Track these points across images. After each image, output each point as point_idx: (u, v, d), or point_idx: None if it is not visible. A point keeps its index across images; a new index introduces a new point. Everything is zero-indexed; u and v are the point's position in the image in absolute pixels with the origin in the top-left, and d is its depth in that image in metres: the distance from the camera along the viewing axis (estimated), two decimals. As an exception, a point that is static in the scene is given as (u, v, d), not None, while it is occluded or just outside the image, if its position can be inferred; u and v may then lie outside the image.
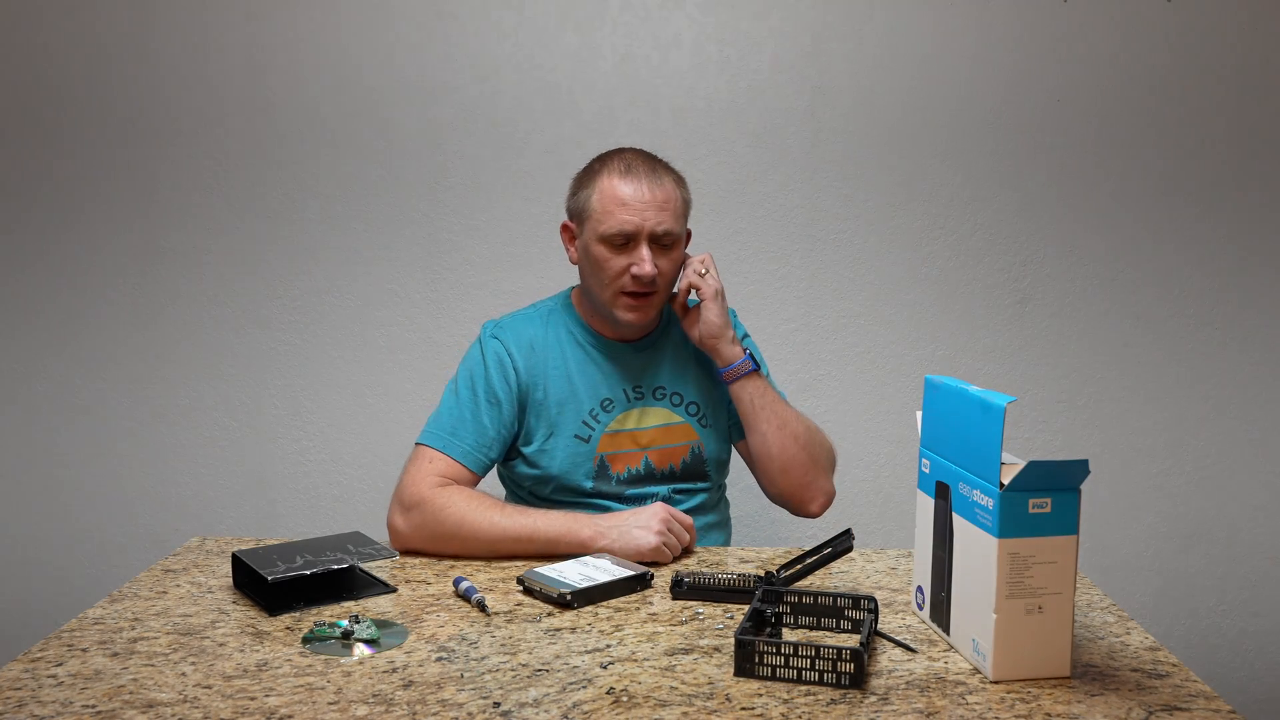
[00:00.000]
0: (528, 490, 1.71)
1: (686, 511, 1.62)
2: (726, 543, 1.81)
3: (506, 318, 1.75)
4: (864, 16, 2.28)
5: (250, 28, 2.28)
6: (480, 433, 1.63)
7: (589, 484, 1.67)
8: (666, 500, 1.67)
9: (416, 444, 1.64)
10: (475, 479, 1.63)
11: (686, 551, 1.57)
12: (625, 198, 1.59)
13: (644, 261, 1.59)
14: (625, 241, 1.60)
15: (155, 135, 2.30)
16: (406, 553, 1.56)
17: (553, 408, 1.66)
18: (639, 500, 1.67)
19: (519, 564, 1.52)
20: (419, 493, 1.56)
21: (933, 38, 2.29)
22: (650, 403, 1.70)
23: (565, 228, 1.71)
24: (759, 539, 2.16)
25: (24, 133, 2.30)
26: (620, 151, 1.67)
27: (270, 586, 1.33)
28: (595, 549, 1.50)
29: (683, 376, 1.73)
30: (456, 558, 1.55)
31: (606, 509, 1.64)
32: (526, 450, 1.67)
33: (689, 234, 1.72)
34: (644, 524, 1.51)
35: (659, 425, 1.70)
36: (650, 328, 1.74)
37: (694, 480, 1.72)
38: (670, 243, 1.62)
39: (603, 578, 1.39)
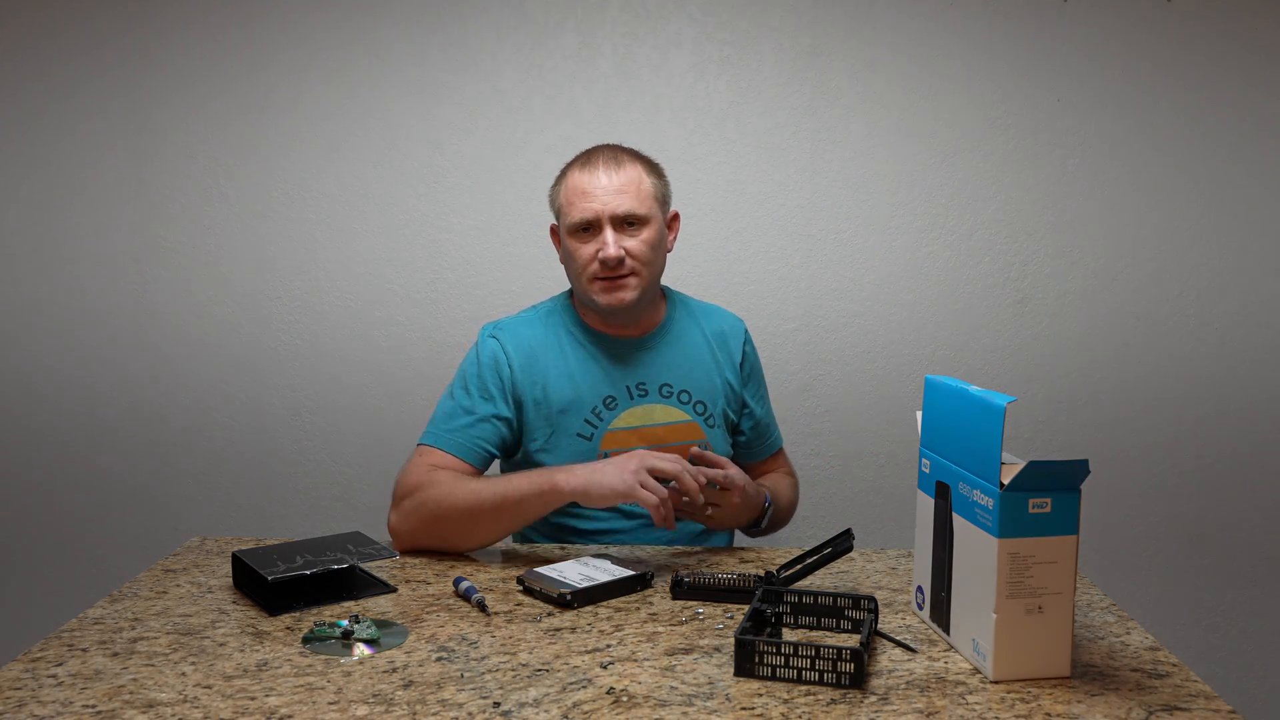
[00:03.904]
0: None
1: None
2: (728, 542, 1.81)
3: (506, 320, 1.75)
4: (864, 16, 2.28)
5: (251, 27, 2.28)
6: (474, 426, 1.63)
7: None
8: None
9: (415, 446, 1.65)
10: (475, 471, 1.62)
11: (689, 508, 1.51)
12: (584, 187, 1.63)
13: (608, 245, 1.61)
14: (589, 229, 1.64)
15: (155, 134, 2.30)
16: (407, 552, 1.56)
17: (554, 407, 1.66)
18: None
19: (519, 564, 1.52)
20: (408, 483, 1.57)
21: (933, 37, 2.29)
22: (656, 400, 1.71)
23: (553, 229, 1.75)
24: (759, 539, 2.16)
25: (22, 130, 2.30)
26: (590, 148, 1.71)
27: (270, 586, 1.33)
28: (567, 490, 1.47)
29: (690, 375, 1.74)
30: (449, 546, 1.55)
31: (613, 509, 1.64)
32: (529, 449, 1.68)
33: (676, 216, 1.75)
34: (619, 464, 1.48)
35: (666, 423, 1.70)
36: (650, 322, 1.74)
37: None
38: (636, 223, 1.64)
39: (603, 577, 1.39)
